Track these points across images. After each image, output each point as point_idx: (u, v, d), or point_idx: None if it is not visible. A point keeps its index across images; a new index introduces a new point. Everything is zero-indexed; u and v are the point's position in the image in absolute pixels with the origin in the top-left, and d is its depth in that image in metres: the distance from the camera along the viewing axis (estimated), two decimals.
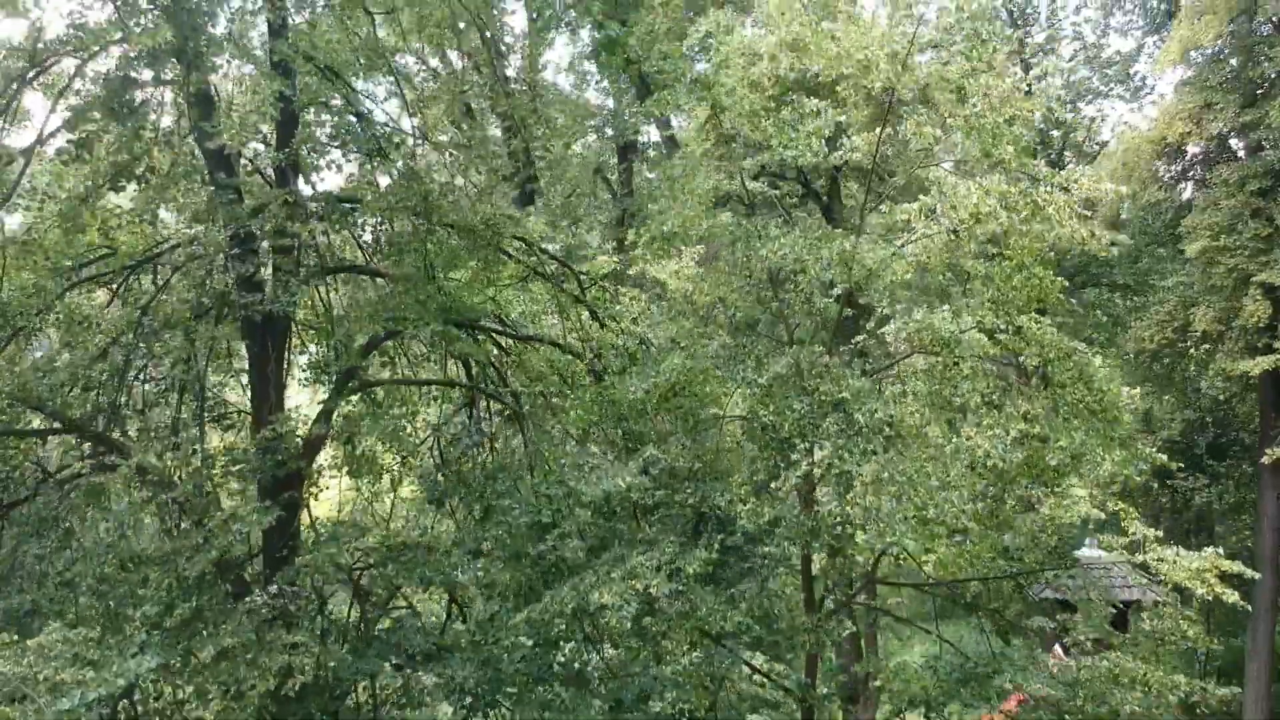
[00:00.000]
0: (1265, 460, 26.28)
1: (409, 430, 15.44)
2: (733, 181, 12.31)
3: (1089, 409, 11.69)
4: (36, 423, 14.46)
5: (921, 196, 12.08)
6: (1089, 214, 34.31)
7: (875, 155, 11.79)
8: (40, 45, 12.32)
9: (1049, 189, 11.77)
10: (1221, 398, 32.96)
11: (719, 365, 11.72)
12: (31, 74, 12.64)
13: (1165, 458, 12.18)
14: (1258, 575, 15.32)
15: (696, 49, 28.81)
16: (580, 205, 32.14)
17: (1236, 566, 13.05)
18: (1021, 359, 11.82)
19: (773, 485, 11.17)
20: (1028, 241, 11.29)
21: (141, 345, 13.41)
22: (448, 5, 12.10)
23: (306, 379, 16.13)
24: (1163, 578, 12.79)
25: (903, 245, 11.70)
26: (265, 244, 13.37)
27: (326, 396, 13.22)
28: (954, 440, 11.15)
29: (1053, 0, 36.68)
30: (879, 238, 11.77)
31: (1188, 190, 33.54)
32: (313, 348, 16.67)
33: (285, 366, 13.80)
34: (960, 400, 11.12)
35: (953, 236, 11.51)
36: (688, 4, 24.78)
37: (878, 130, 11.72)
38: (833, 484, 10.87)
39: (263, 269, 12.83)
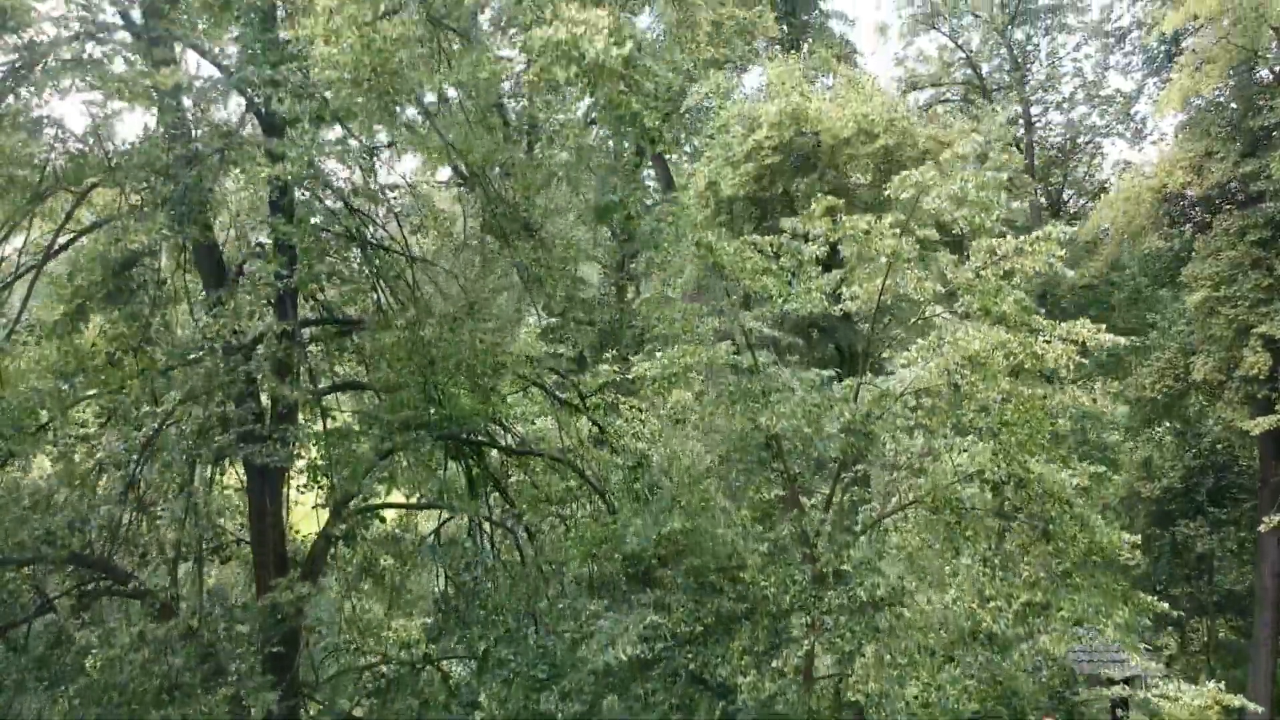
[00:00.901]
0: (1263, 529, 26.24)
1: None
2: (732, 325, 12.24)
3: (1088, 554, 11.67)
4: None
5: (920, 340, 12.04)
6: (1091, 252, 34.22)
7: (876, 308, 11.71)
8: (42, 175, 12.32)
9: (1048, 339, 11.70)
10: (1221, 446, 32.96)
11: (716, 529, 11.69)
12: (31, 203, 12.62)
13: (1166, 605, 12.12)
14: (1260, 709, 15.24)
15: (698, 109, 28.79)
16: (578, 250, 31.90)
17: (1239, 701, 13.02)
18: (1021, 512, 11.73)
19: (774, 664, 11.14)
20: (1030, 401, 11.24)
21: (140, 477, 13.40)
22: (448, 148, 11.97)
23: (305, 485, 16.12)
24: (1165, 715, 12.76)
25: (902, 394, 11.63)
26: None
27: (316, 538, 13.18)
28: (954, 606, 11.11)
29: (1053, 38, 36.55)
30: (880, 390, 11.68)
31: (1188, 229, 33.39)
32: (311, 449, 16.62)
33: (285, 505, 13.78)
34: (964, 557, 11.09)
35: (953, 390, 11.46)
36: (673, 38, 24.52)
37: (879, 281, 11.63)
38: (834, 663, 10.85)
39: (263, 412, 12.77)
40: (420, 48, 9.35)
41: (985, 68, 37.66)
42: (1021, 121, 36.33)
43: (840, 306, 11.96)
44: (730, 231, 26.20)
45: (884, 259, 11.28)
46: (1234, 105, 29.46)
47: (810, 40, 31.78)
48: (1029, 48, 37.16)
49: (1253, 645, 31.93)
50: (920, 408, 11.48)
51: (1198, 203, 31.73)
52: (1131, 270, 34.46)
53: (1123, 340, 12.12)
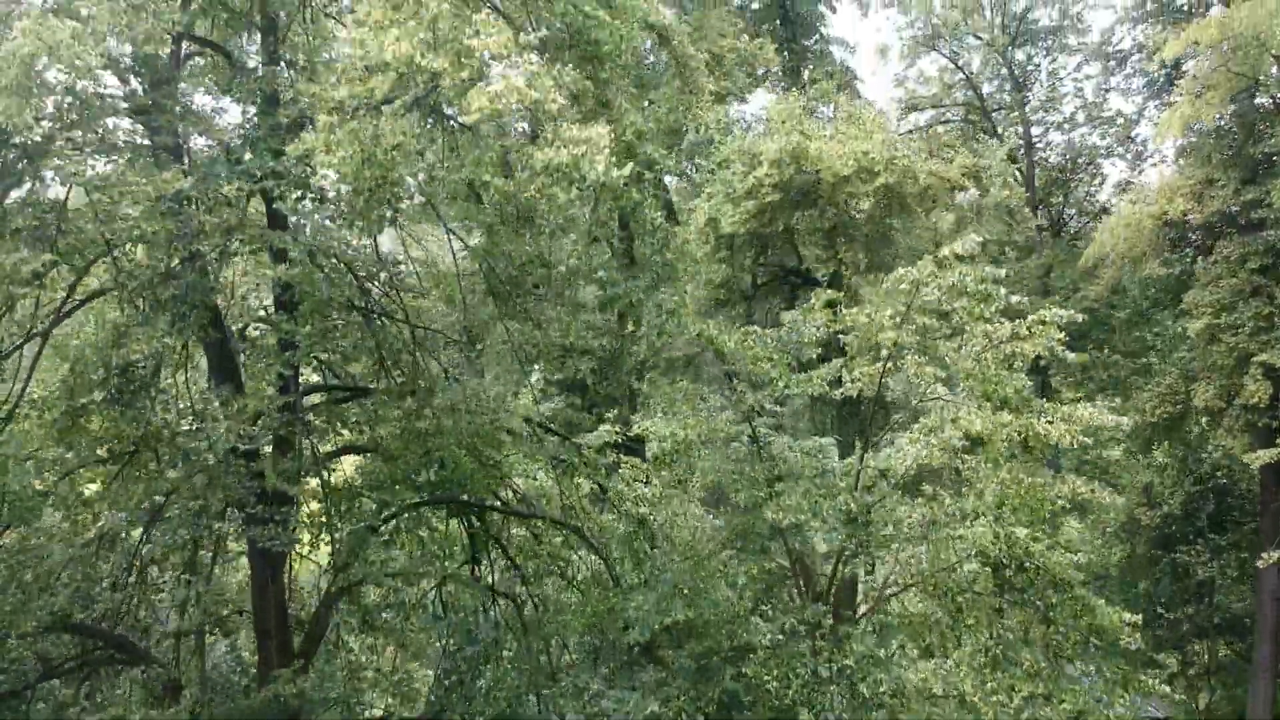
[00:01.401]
0: (1261, 564, 26.21)
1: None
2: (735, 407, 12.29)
3: (1088, 636, 11.73)
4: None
5: (922, 419, 12.09)
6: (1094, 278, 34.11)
7: (877, 390, 11.74)
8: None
9: (1050, 420, 11.74)
10: (1220, 471, 32.98)
11: (720, 620, 11.75)
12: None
13: (1169, 688, 12.16)
14: None
15: (696, 142, 28.75)
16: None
17: None
18: (1023, 595, 11.78)
19: None
20: (1031, 489, 11.29)
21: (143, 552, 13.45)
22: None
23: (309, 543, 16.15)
24: None
25: (904, 474, 11.68)
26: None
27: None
28: (955, 676, 11.16)
29: (1053, 59, 36.48)
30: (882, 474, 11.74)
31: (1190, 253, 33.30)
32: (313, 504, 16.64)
33: (288, 569, 13.83)
34: (965, 646, 11.13)
35: (954, 474, 11.51)
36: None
37: (879, 365, 11.66)
38: None
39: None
40: (420, 160, 9.36)
41: (986, 89, 37.60)
42: (1022, 143, 36.28)
43: (841, 391, 12.03)
44: (730, 268, 26.27)
45: (885, 350, 11.34)
46: (1235, 132, 29.37)
47: (811, 67, 31.70)
48: (1029, 68, 37.09)
49: (1252, 671, 32.01)
50: (921, 494, 11.53)
51: (1198, 228, 31.67)
52: (1134, 295, 34.41)
53: (1125, 420, 12.15)
